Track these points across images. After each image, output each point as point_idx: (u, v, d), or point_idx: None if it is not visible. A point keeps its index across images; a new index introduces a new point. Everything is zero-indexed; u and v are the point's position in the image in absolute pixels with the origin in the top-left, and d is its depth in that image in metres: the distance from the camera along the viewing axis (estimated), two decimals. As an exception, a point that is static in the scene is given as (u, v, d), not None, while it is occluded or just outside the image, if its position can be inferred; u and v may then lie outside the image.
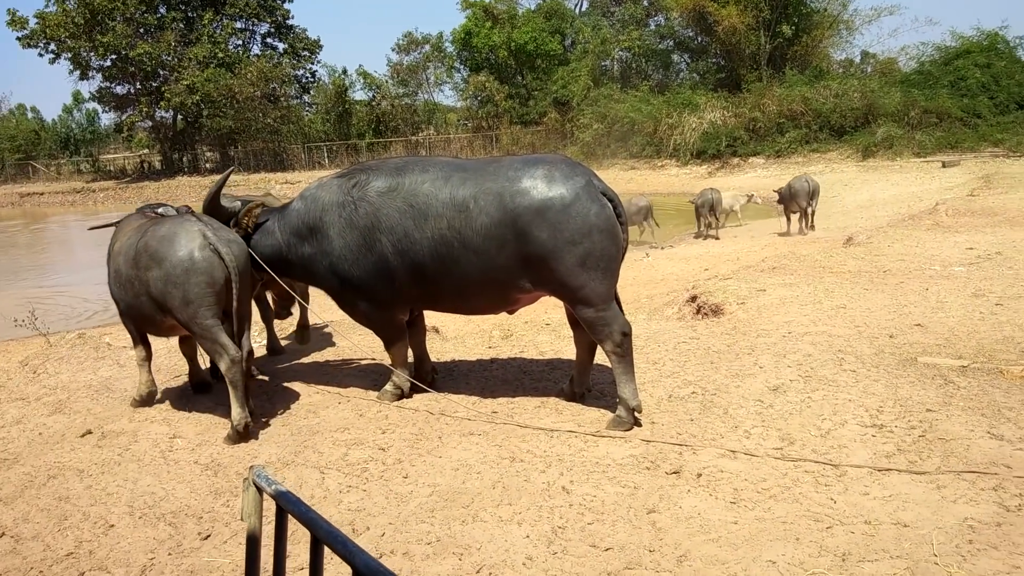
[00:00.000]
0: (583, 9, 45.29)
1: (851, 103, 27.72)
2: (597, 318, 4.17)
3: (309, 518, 1.43)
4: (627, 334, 4.20)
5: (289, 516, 1.53)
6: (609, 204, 4.17)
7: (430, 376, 5.15)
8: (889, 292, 6.71)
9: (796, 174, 21.46)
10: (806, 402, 4.35)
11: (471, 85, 41.89)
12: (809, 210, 14.61)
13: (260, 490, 1.63)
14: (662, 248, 14.76)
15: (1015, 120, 24.85)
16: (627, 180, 31.05)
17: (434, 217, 4.27)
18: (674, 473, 3.56)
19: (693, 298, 7.11)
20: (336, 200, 4.59)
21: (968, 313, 5.95)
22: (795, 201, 14.63)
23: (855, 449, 3.72)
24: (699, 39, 38.77)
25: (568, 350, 5.36)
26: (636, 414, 4.21)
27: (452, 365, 5.73)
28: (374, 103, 44.37)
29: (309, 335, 6.43)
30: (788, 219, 15.16)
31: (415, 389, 5.01)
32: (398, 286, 4.53)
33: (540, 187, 4.11)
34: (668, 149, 31.51)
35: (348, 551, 1.29)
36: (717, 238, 15.45)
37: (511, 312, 4.79)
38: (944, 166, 22.17)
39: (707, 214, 15.53)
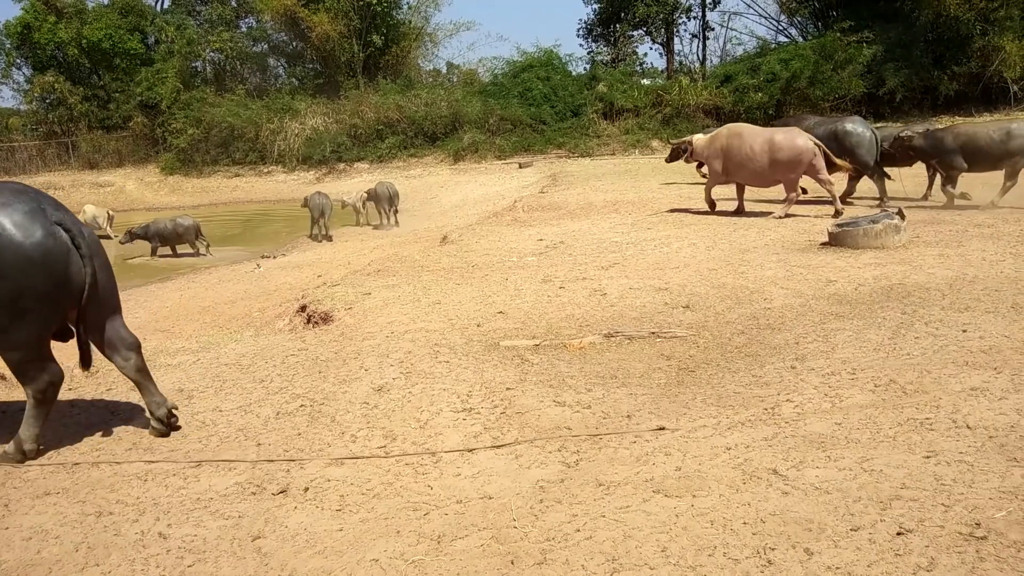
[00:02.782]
0: (165, 6, 41.81)
1: (440, 111, 30.00)
2: (26, 365, 3.90)
3: None
4: (55, 384, 4.03)
5: None
6: (63, 234, 3.83)
7: None
8: (477, 284, 7.45)
9: (398, 178, 22.76)
10: (407, 397, 4.62)
11: (36, 86, 36.03)
12: (392, 210, 16.98)
13: None
14: (275, 257, 14.44)
15: (571, 126, 29.29)
16: (232, 188, 29.70)
17: None
18: (281, 492, 3.52)
19: (303, 308, 7.11)
20: None
21: (539, 297, 6.87)
22: (380, 203, 16.83)
23: (449, 434, 4.06)
24: (295, 44, 38.43)
25: (161, 381, 4.96)
26: (30, 454, 4.04)
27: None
28: (-101, 107, 35.61)
29: None
30: (380, 215, 17.30)
31: None
32: None
33: None
34: (273, 155, 30.82)
35: None
36: (331, 240, 15.80)
37: None
38: (521, 167, 25.25)
39: (318, 218, 16.02)
